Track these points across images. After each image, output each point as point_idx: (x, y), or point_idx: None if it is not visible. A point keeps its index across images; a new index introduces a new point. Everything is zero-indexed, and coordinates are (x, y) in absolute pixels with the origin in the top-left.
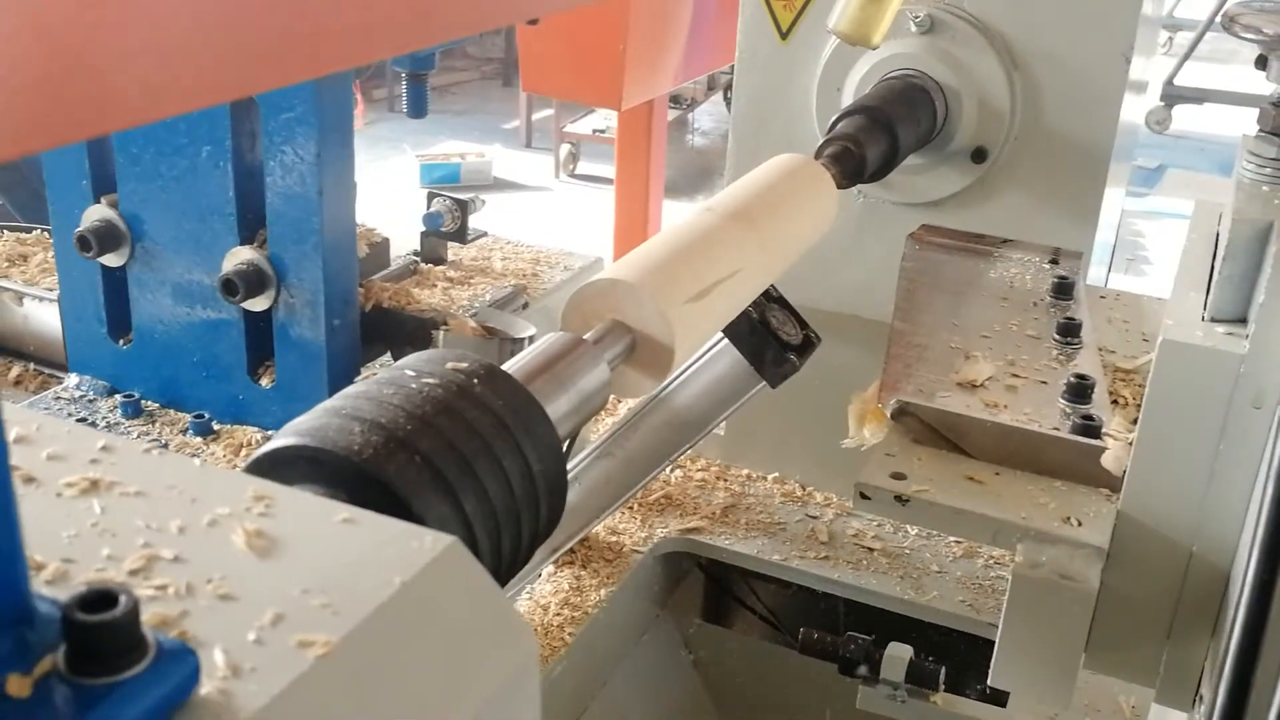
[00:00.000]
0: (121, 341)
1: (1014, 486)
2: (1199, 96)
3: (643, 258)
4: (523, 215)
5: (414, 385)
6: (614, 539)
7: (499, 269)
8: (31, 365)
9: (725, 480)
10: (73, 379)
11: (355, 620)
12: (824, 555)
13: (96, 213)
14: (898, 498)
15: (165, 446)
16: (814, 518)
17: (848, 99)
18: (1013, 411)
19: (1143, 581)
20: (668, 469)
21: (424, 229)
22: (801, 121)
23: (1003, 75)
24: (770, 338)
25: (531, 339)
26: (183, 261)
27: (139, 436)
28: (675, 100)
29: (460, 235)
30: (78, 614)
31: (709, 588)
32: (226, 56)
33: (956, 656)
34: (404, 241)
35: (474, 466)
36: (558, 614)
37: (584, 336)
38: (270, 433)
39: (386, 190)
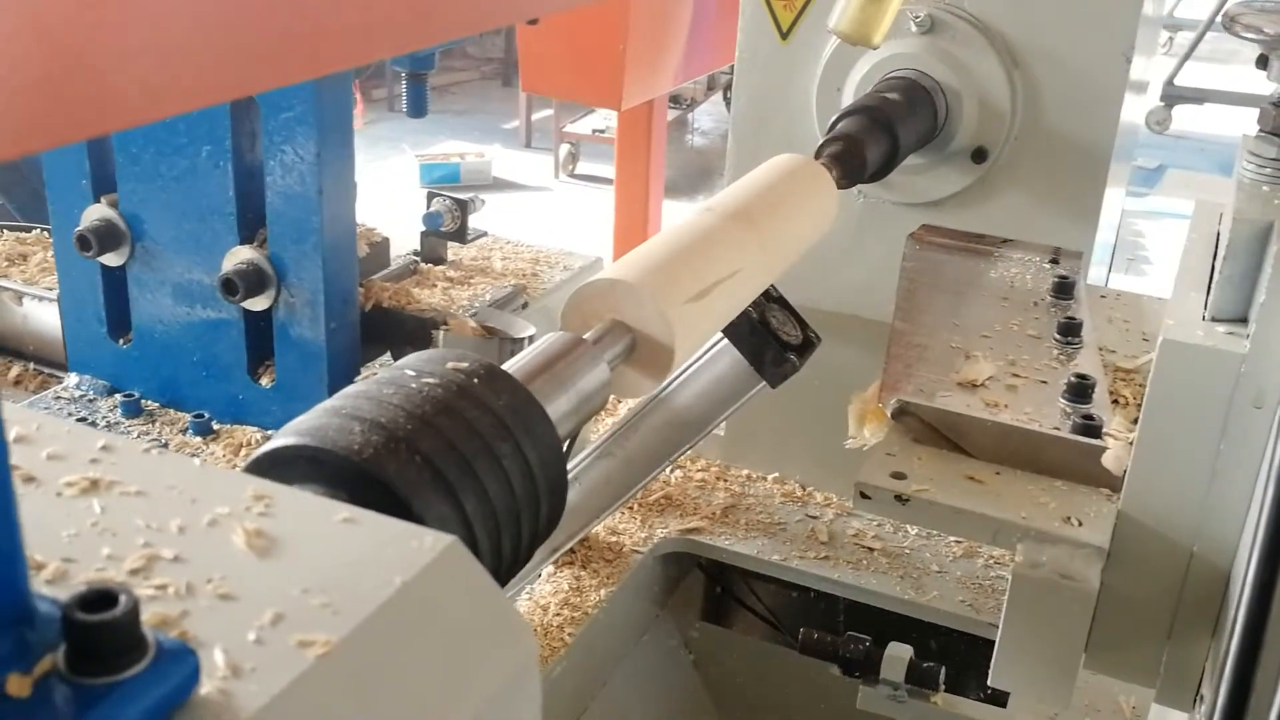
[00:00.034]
0: (121, 341)
1: (1014, 486)
2: (1199, 96)
3: (642, 258)
4: (522, 215)
5: (414, 385)
6: (614, 539)
7: (499, 269)
8: (31, 365)
9: (725, 480)
10: (72, 379)
11: (355, 620)
12: (824, 555)
13: (96, 212)
14: (898, 497)
15: (165, 446)
16: (814, 518)
17: (848, 99)
18: (1013, 411)
19: (1143, 581)
20: (668, 469)
21: (424, 229)
22: (801, 121)
23: (1003, 75)
24: (770, 338)
25: (531, 339)
26: (183, 261)
27: (139, 436)
28: (675, 100)
29: (460, 235)
30: (78, 614)
31: (709, 588)
32: (226, 56)
33: (956, 656)
34: (404, 241)
35: (474, 466)
36: (558, 614)
37: (584, 336)
38: (270, 432)
39: (386, 190)
